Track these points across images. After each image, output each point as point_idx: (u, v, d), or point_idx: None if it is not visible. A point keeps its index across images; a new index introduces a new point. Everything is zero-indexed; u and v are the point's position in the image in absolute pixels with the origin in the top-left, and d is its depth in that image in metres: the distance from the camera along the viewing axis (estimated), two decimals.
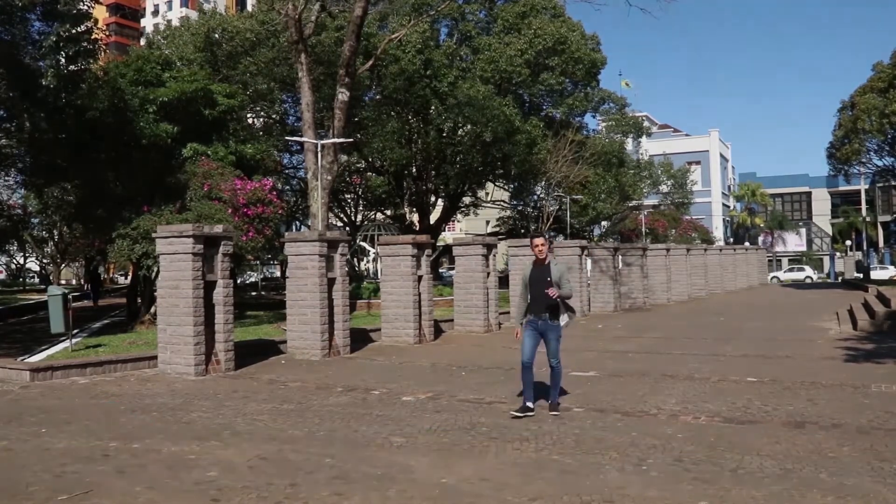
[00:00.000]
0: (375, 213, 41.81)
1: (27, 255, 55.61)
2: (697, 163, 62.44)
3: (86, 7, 19.67)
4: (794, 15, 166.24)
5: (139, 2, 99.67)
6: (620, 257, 24.87)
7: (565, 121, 34.37)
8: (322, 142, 19.19)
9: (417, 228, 33.82)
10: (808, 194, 75.13)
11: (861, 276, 45.48)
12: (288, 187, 35.34)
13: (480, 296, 16.75)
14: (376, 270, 35.40)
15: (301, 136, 20.51)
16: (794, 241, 70.89)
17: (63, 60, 19.45)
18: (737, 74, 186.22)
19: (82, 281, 51.15)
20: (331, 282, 13.24)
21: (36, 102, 17.86)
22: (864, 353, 12.35)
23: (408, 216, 38.59)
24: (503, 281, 20.90)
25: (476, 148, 30.70)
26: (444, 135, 31.75)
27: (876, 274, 47.19)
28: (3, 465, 6.11)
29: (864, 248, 64.86)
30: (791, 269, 61.90)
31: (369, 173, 36.84)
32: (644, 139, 43.82)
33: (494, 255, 17.76)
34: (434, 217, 36.10)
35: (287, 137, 25.49)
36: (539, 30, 30.85)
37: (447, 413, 7.92)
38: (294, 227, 37.32)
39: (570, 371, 10.80)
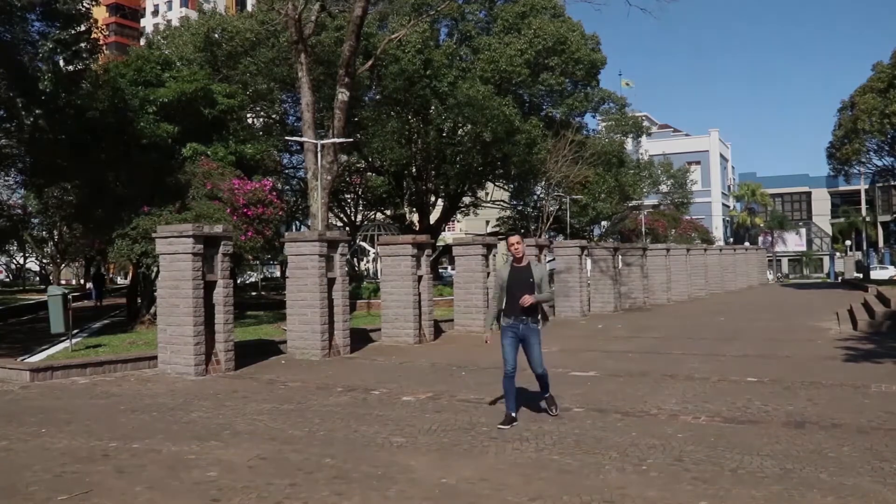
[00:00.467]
0: (375, 213, 41.79)
1: (27, 255, 55.60)
2: (697, 163, 62.43)
3: (85, 7, 19.67)
4: (795, 15, 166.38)
5: (139, 2, 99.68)
6: (620, 257, 24.88)
7: (565, 121, 34.33)
8: (322, 142, 19.19)
9: (417, 228, 33.81)
10: (808, 194, 75.13)
11: (861, 275, 45.47)
12: (288, 187, 35.34)
13: (480, 296, 16.74)
14: (376, 270, 35.41)
15: (301, 136, 20.51)
16: (794, 241, 70.89)
17: (63, 61, 19.47)
18: (737, 74, 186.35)
19: (82, 281, 51.15)
20: (331, 282, 13.24)
21: (36, 102, 17.88)
22: (864, 353, 12.35)
23: (408, 216, 38.58)
24: None
25: (476, 148, 30.68)
26: (444, 135, 31.73)
27: (876, 274, 47.20)
28: (3, 465, 6.11)
29: (864, 248, 64.87)
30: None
31: (369, 173, 36.82)
32: (644, 139, 43.81)
33: (494, 255, 17.76)
34: (434, 217, 36.09)
35: (287, 137, 25.48)
36: (539, 30, 30.83)
37: (447, 413, 7.92)
38: (294, 227, 37.31)
39: (571, 371, 10.81)
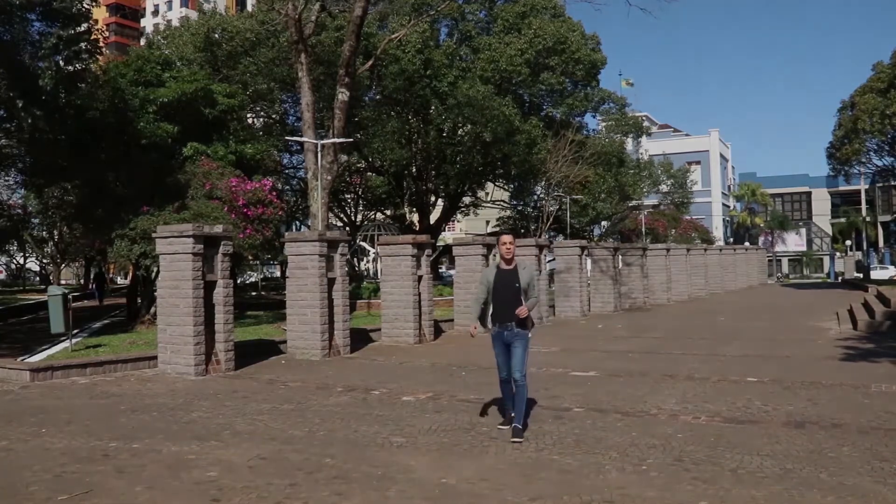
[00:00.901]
0: (375, 213, 41.79)
1: (27, 255, 55.59)
2: (697, 163, 62.39)
3: (85, 7, 19.66)
4: (795, 15, 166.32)
5: (139, 2, 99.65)
6: (620, 257, 24.87)
7: (565, 121, 34.32)
8: (322, 142, 19.19)
9: (417, 228, 33.80)
10: (808, 194, 75.10)
11: (861, 275, 45.47)
12: (288, 187, 35.33)
13: None
14: (376, 270, 35.40)
15: (301, 136, 20.50)
16: (794, 241, 70.86)
17: (63, 60, 19.46)
18: (737, 74, 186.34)
19: (82, 281, 51.15)
20: (331, 282, 13.24)
21: (36, 102, 17.86)
22: (864, 352, 12.35)
23: (408, 216, 38.58)
24: None
25: (476, 148, 30.68)
26: (444, 135, 31.73)
27: (876, 274, 47.20)
28: (3, 465, 6.11)
29: (864, 247, 64.86)
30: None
31: (369, 173, 36.83)
32: (644, 139, 43.77)
33: (494, 255, 17.75)
34: (434, 217, 36.09)
35: (287, 137, 25.48)
36: (539, 30, 30.82)
37: (447, 413, 7.92)
38: (294, 227, 37.30)
39: (571, 371, 10.82)
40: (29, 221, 38.24)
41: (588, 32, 33.27)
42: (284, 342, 13.44)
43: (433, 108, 29.62)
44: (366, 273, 38.76)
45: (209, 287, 11.16)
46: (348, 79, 18.95)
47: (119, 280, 58.85)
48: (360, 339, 14.42)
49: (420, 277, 15.23)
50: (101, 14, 67.57)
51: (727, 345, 13.87)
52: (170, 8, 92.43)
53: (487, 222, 53.62)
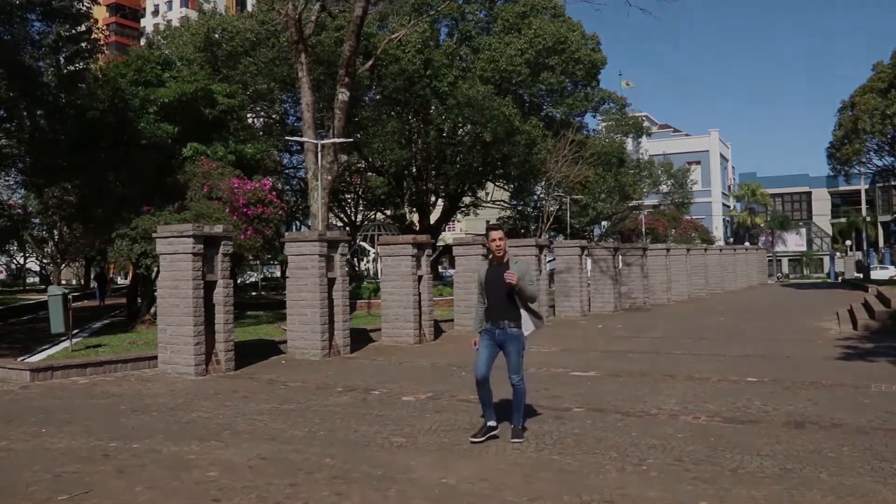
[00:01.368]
0: (375, 213, 41.79)
1: (27, 255, 55.61)
2: (697, 163, 62.41)
3: (85, 7, 19.67)
4: (795, 15, 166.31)
5: (139, 2, 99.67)
6: (620, 257, 24.86)
7: (565, 121, 34.33)
8: (322, 142, 19.19)
9: (417, 228, 33.80)
10: (808, 194, 75.13)
11: (861, 275, 45.48)
12: (288, 187, 35.32)
13: None
14: (376, 270, 35.40)
15: (301, 136, 20.51)
16: (794, 241, 70.88)
17: (63, 60, 19.46)
18: (737, 74, 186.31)
19: (82, 281, 51.15)
20: (331, 282, 13.23)
21: (36, 102, 17.87)
22: (864, 352, 12.35)
23: (408, 216, 38.57)
24: None
25: (476, 148, 30.68)
26: (444, 135, 31.72)
27: (876, 274, 47.21)
28: (3, 465, 6.11)
29: (864, 248, 64.87)
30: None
31: (369, 173, 36.82)
32: (644, 139, 43.78)
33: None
34: (434, 217, 36.09)
35: (287, 137, 25.48)
36: (539, 30, 30.82)
37: (447, 413, 7.92)
38: (294, 227, 37.31)
39: (571, 371, 10.81)
40: (29, 221, 38.24)
41: (588, 32, 33.30)
42: (284, 342, 13.44)
43: (433, 108, 29.62)
44: (366, 273, 38.76)
45: (209, 287, 11.16)
46: (348, 79, 18.95)
47: (119, 280, 58.85)
48: (360, 339, 14.42)
49: (420, 277, 15.23)
50: (101, 14, 67.66)
51: (727, 345, 13.86)
52: (170, 8, 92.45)
53: (487, 222, 53.47)
